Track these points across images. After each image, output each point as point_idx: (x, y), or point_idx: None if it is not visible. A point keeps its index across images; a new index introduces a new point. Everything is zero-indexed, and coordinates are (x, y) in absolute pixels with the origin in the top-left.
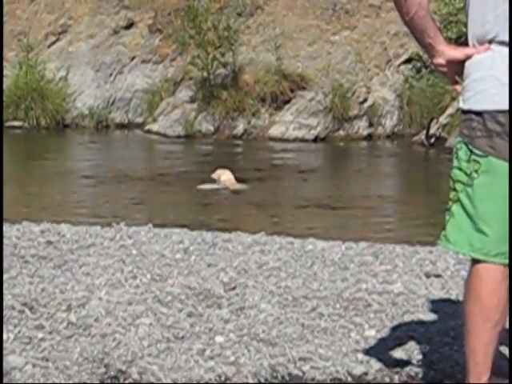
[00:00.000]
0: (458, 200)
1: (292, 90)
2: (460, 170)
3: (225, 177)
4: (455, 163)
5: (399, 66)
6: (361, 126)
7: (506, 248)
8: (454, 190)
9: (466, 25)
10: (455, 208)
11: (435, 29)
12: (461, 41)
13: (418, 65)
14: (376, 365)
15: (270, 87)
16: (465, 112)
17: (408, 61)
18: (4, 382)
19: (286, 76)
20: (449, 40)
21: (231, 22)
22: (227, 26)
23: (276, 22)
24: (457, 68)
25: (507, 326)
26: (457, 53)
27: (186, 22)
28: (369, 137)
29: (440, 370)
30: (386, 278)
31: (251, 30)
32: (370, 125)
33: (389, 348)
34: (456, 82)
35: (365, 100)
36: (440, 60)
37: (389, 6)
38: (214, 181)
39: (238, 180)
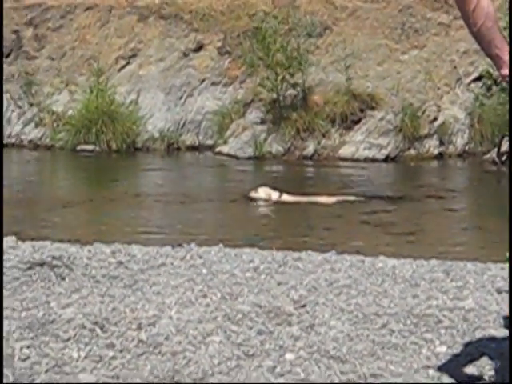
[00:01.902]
0: None
1: (362, 110)
2: None
3: (263, 193)
4: None
5: (469, 84)
6: (431, 145)
7: None
8: None
9: None
10: None
11: (502, 39)
12: None
13: (489, 82)
14: (447, 381)
15: (339, 107)
16: None
17: (478, 78)
18: None
19: (355, 96)
20: None
21: (300, 43)
22: (296, 46)
23: (345, 42)
24: None
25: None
26: None
27: (255, 44)
28: (440, 156)
29: None
30: (456, 295)
31: (320, 50)
32: (441, 143)
33: (460, 364)
34: None
35: (435, 119)
36: (507, 71)
37: (458, 24)
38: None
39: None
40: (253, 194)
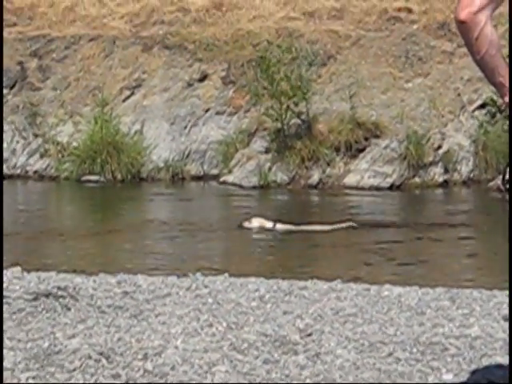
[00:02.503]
0: None
1: (366, 139)
2: None
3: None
4: None
5: (473, 111)
6: (436, 173)
7: None
8: None
9: None
10: None
11: (506, 67)
12: None
13: (493, 110)
14: None
15: (344, 136)
16: None
17: (482, 106)
18: None
19: (360, 124)
20: None
21: (304, 72)
22: (300, 75)
23: (349, 70)
24: None
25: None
26: None
27: (259, 73)
28: (445, 183)
29: None
30: (463, 322)
31: (324, 79)
32: (446, 171)
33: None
34: None
35: (440, 146)
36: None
37: (461, 51)
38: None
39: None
40: (246, 225)
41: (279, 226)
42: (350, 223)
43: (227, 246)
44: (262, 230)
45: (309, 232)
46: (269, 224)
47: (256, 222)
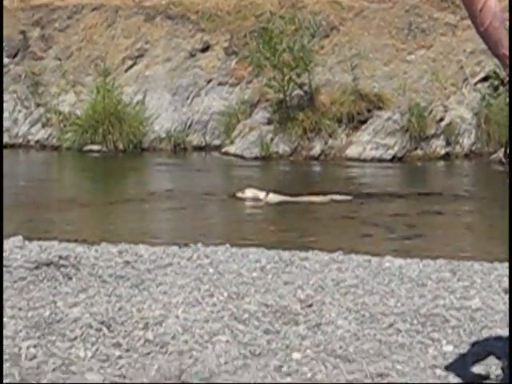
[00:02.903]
0: None
1: (369, 110)
2: None
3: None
4: None
5: (476, 84)
6: (438, 145)
7: None
8: None
9: None
10: None
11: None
12: None
13: (496, 83)
14: (454, 380)
15: (346, 107)
16: None
17: (485, 79)
18: None
19: (362, 96)
20: None
21: (306, 43)
22: (302, 46)
23: (351, 42)
24: None
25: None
26: None
27: (262, 44)
28: (446, 156)
29: None
30: (463, 294)
31: (327, 50)
32: (448, 144)
33: (467, 363)
34: None
35: (442, 119)
36: None
37: (465, 24)
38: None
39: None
40: (240, 195)
41: (271, 197)
42: (339, 196)
43: (227, 216)
44: (256, 200)
45: (301, 203)
46: (262, 194)
47: (249, 193)
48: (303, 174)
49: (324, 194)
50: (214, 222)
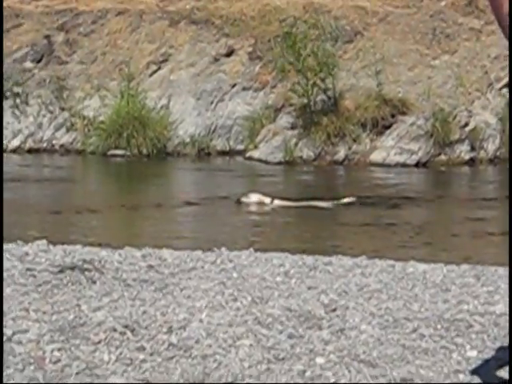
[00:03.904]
0: None
1: (393, 115)
2: None
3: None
4: None
5: (501, 89)
6: (462, 151)
7: None
8: None
9: None
10: None
11: None
12: None
13: None
14: None
15: (370, 112)
16: None
17: (510, 84)
18: None
19: (386, 101)
20: None
21: (330, 48)
22: (326, 51)
23: (376, 47)
24: None
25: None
26: None
27: (286, 49)
28: (471, 161)
29: None
30: (487, 300)
31: (351, 55)
32: (472, 149)
33: (491, 369)
34: None
35: (466, 124)
36: None
37: (489, 29)
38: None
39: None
40: (244, 200)
41: (277, 202)
42: (351, 199)
43: (252, 221)
44: (261, 205)
45: (306, 207)
46: (267, 200)
47: (254, 198)
48: (327, 179)
49: (328, 199)
50: (239, 227)
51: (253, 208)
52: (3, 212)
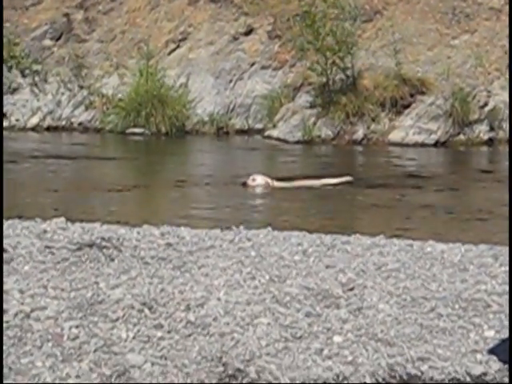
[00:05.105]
0: None
1: (412, 95)
2: None
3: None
4: None
5: None
6: (481, 131)
7: None
8: None
9: None
10: None
11: None
12: None
13: None
14: (495, 365)
15: (389, 92)
16: None
17: None
18: (123, 379)
19: (405, 81)
20: None
21: (349, 27)
22: (345, 30)
23: (395, 26)
24: None
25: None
26: None
27: (305, 28)
28: (490, 141)
29: None
30: (505, 280)
31: (370, 34)
32: (491, 129)
33: (508, 348)
34: None
35: (485, 104)
36: None
37: (509, 8)
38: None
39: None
40: (250, 182)
41: (276, 184)
42: (348, 178)
43: (270, 200)
44: (266, 187)
45: (303, 188)
46: (271, 182)
47: (261, 180)
48: (346, 158)
49: (320, 177)
50: (256, 205)
51: (258, 190)
52: (21, 189)
